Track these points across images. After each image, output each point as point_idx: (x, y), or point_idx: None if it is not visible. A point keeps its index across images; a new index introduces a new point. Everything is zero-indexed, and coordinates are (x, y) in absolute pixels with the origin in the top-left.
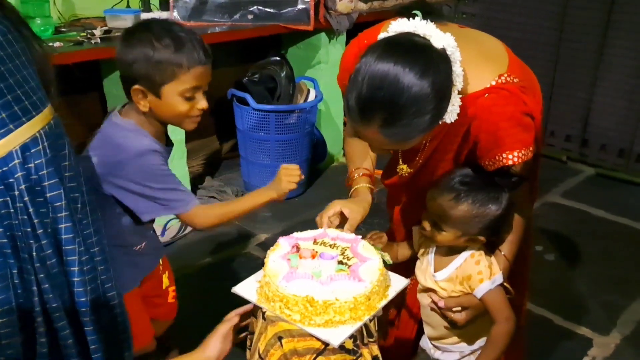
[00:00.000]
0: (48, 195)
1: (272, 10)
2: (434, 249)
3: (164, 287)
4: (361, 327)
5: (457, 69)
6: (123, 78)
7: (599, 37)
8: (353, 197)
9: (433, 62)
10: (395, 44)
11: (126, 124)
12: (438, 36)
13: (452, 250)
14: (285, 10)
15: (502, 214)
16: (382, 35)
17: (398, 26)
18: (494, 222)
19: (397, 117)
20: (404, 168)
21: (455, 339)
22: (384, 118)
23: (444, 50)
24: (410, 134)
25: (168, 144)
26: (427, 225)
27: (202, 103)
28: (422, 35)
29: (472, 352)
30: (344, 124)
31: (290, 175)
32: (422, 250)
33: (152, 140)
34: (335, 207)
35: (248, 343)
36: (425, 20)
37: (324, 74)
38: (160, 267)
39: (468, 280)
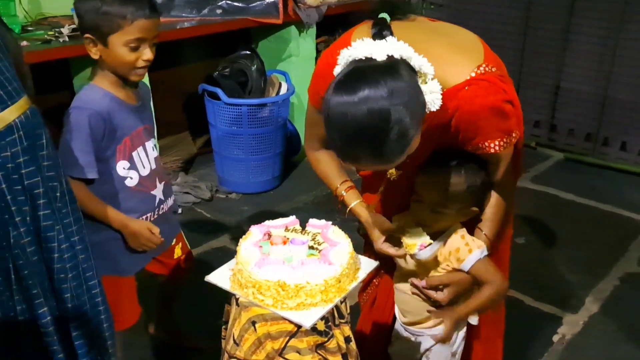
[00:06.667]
0: (26, 182)
1: (240, 5)
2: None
3: (175, 256)
4: (332, 309)
5: (416, 61)
6: (79, 28)
7: (563, 24)
8: (355, 217)
9: (388, 74)
10: (347, 82)
11: (86, 84)
12: (378, 48)
13: (433, 236)
14: (254, 4)
15: (485, 182)
16: (338, 67)
17: (345, 56)
18: (483, 189)
19: (385, 145)
20: (393, 172)
21: (431, 322)
22: (371, 152)
23: (390, 56)
24: (403, 148)
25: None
26: (425, 213)
27: (146, 54)
28: (363, 58)
29: None
30: None
31: (149, 241)
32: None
33: (105, 93)
34: (381, 237)
35: (223, 333)
36: (376, 29)
37: (295, 67)
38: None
39: (457, 253)
